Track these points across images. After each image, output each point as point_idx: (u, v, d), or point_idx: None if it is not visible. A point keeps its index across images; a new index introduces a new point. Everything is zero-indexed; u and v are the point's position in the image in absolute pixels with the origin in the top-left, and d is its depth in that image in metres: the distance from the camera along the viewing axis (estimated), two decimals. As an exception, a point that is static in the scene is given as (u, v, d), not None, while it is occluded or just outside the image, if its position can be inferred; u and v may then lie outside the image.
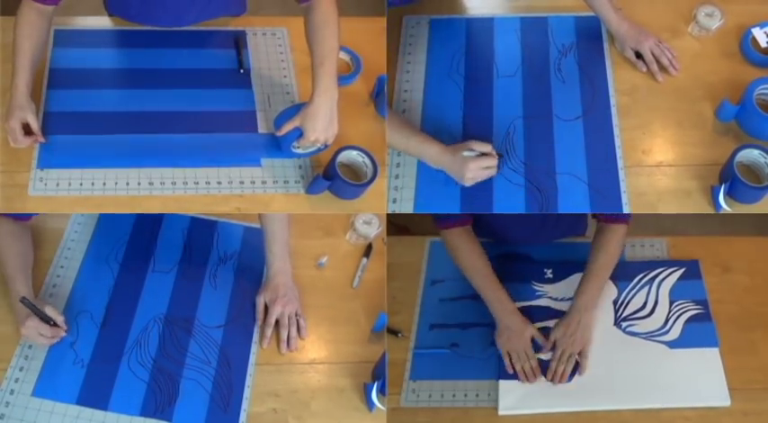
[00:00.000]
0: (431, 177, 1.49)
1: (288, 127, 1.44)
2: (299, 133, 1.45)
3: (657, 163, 1.50)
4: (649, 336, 1.54)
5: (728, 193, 1.44)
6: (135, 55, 1.64)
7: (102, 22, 1.70)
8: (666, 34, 1.66)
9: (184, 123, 1.54)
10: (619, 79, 1.60)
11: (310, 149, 1.49)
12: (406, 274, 1.64)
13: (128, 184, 1.45)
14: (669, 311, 1.57)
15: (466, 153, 1.43)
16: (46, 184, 1.43)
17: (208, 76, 1.62)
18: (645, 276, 1.63)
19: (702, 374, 1.47)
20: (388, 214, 1.53)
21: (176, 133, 1.52)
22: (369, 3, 1.77)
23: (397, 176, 1.50)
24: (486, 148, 1.44)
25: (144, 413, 1.39)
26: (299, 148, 1.48)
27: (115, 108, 1.54)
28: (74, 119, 1.51)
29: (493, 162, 1.44)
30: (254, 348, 1.50)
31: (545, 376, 1.48)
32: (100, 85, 1.58)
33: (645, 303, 1.59)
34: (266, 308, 1.53)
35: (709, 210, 1.45)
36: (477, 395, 1.48)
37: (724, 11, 1.65)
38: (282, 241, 1.55)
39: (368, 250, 1.68)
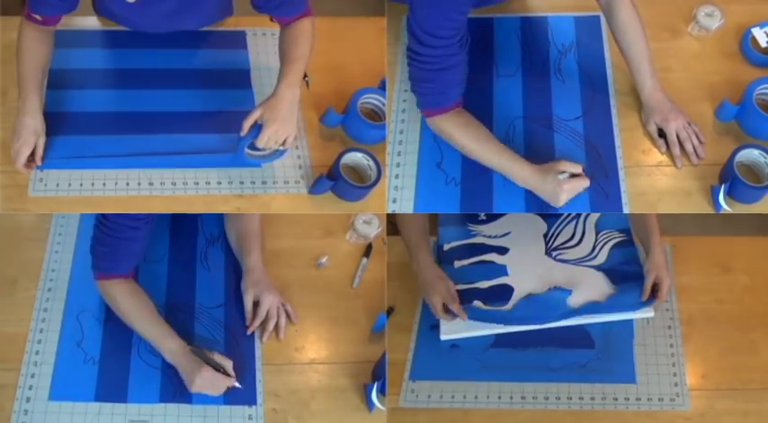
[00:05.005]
0: (431, 177, 1.49)
1: (249, 121, 1.42)
2: (255, 132, 1.42)
3: (657, 163, 1.50)
4: (578, 261, 1.66)
5: (728, 193, 1.43)
6: (135, 55, 1.63)
7: (102, 22, 1.69)
8: (666, 34, 1.66)
9: (184, 124, 1.54)
10: (619, 79, 1.60)
11: (267, 154, 1.47)
12: (406, 274, 1.64)
13: (128, 184, 1.45)
14: (596, 240, 1.69)
15: (559, 177, 1.41)
16: (46, 185, 1.43)
17: (208, 76, 1.62)
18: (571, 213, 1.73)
19: (624, 288, 1.59)
20: (387, 214, 1.53)
21: (176, 133, 1.52)
22: (369, 3, 1.77)
23: (397, 176, 1.50)
24: (578, 169, 1.42)
25: (163, 399, 1.42)
26: (255, 152, 1.46)
27: (115, 108, 1.54)
28: (74, 119, 1.51)
29: (586, 183, 1.42)
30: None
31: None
32: (100, 85, 1.58)
33: (573, 234, 1.71)
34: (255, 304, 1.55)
35: (710, 210, 1.45)
36: (476, 397, 1.48)
37: (724, 11, 1.65)
38: (255, 234, 1.60)
39: (368, 250, 1.68)
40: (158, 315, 1.48)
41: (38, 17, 1.46)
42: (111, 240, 1.44)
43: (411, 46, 1.38)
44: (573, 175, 1.42)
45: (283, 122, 1.42)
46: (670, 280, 1.56)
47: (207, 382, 1.40)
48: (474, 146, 1.45)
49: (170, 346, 1.44)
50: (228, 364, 1.43)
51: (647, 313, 1.57)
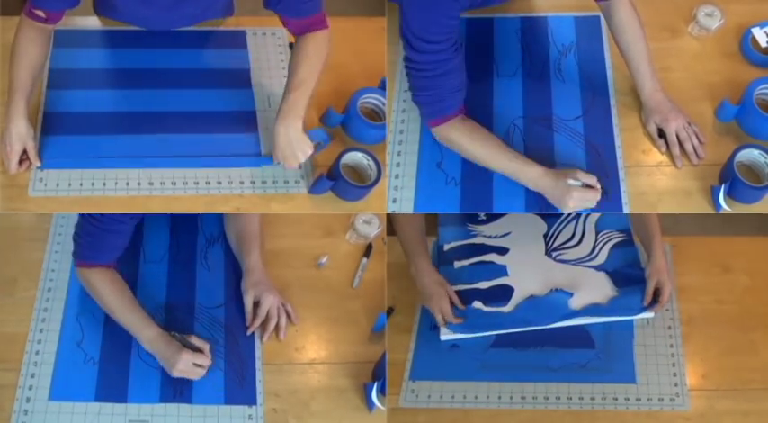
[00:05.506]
0: (431, 177, 1.49)
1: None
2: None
3: (657, 163, 1.50)
4: (578, 261, 1.67)
5: (728, 193, 1.43)
6: (135, 55, 1.64)
7: (103, 21, 1.70)
8: (666, 34, 1.66)
9: (184, 124, 1.54)
10: (618, 79, 1.60)
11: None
12: (406, 274, 1.64)
13: (128, 184, 1.45)
14: (596, 240, 1.70)
15: (571, 182, 1.39)
16: (46, 185, 1.43)
17: (208, 76, 1.62)
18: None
19: (626, 291, 1.60)
20: (388, 214, 1.53)
21: (176, 133, 1.52)
22: (369, 3, 1.77)
23: (397, 176, 1.50)
24: (592, 180, 1.40)
25: (163, 399, 1.42)
26: None
27: (115, 108, 1.54)
28: (74, 119, 1.51)
29: (597, 197, 1.40)
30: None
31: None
32: (100, 85, 1.58)
33: (573, 235, 1.72)
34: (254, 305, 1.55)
35: (710, 210, 1.45)
36: (476, 397, 1.48)
37: (724, 11, 1.65)
38: (255, 235, 1.60)
39: (368, 250, 1.68)
40: (137, 304, 1.49)
41: (40, 13, 1.44)
42: (96, 231, 1.44)
43: (406, 54, 1.38)
44: (586, 186, 1.40)
45: (284, 152, 1.43)
46: (671, 285, 1.56)
47: (188, 365, 1.41)
48: (484, 153, 1.44)
49: (148, 334, 1.45)
50: (206, 347, 1.44)
51: (646, 314, 1.57)
